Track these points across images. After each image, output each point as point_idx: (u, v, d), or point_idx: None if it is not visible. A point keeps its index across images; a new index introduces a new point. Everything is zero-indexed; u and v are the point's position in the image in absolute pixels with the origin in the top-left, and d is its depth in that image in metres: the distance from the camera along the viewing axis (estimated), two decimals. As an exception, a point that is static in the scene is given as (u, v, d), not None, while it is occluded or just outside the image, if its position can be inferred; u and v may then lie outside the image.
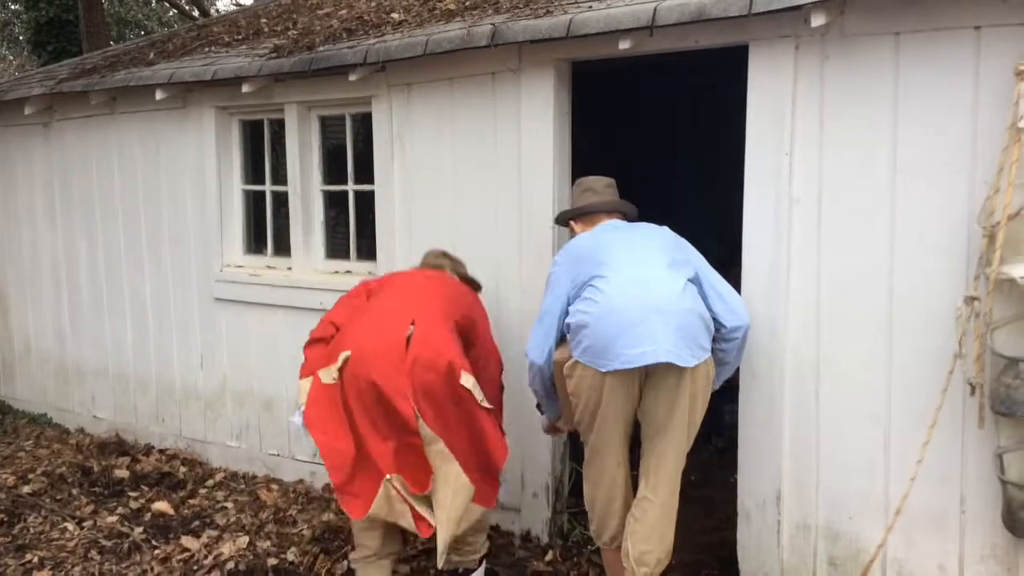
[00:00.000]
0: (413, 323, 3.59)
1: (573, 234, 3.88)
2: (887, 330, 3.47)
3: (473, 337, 3.89)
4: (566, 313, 3.53)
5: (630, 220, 3.87)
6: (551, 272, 3.68)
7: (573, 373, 3.46)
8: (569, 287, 3.54)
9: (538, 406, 3.98)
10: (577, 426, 3.62)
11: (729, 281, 3.69)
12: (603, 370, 3.34)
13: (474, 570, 3.97)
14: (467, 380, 3.52)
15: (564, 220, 4.01)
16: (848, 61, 3.48)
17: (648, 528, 3.49)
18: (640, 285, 3.36)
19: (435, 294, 3.89)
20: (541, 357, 3.60)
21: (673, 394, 3.39)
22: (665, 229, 3.72)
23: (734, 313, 3.55)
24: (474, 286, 4.28)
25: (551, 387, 3.70)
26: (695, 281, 3.52)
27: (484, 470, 3.67)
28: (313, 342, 3.82)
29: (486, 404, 3.60)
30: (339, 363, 3.54)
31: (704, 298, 3.50)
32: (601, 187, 3.89)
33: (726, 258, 4.25)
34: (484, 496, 3.71)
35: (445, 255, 4.31)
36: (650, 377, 3.39)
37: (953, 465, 3.36)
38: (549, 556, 4.34)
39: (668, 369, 3.33)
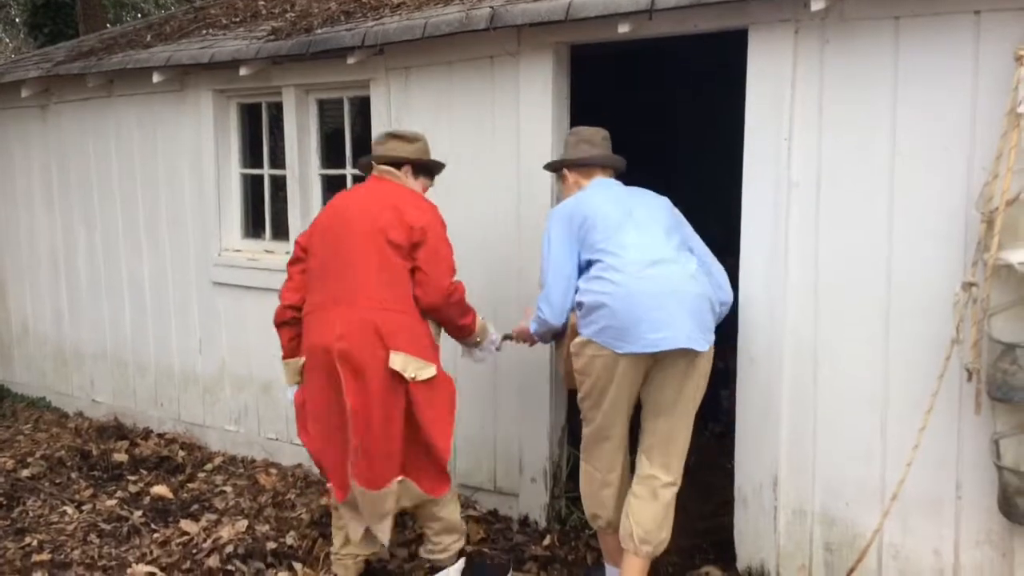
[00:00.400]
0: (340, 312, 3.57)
1: (564, 183, 3.83)
2: (885, 315, 3.47)
3: (417, 255, 3.56)
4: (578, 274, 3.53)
5: (620, 176, 3.83)
6: (550, 230, 3.58)
7: (583, 352, 3.44)
8: (577, 247, 3.51)
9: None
10: (581, 403, 3.61)
11: (727, 265, 3.71)
12: (620, 351, 3.35)
13: (445, 567, 3.90)
14: (396, 360, 3.48)
15: (557, 168, 3.88)
16: (848, 45, 3.46)
17: (658, 508, 3.52)
18: (656, 267, 3.37)
19: (367, 240, 3.53)
20: (560, 319, 3.59)
21: (683, 376, 3.44)
22: (664, 200, 3.70)
23: (722, 289, 3.58)
24: (435, 170, 3.96)
25: (559, 337, 3.79)
26: (689, 251, 3.57)
27: (422, 462, 3.65)
28: (280, 325, 3.92)
29: (420, 377, 3.51)
30: (299, 366, 3.80)
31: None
32: (599, 139, 3.79)
33: (724, 241, 4.26)
34: (425, 486, 3.69)
35: (394, 136, 3.84)
36: (660, 360, 3.41)
37: (949, 451, 3.37)
38: (547, 540, 4.35)
39: (681, 353, 3.36)
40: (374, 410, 3.49)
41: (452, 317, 3.74)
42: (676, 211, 3.69)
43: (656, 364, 3.43)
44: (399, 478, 3.61)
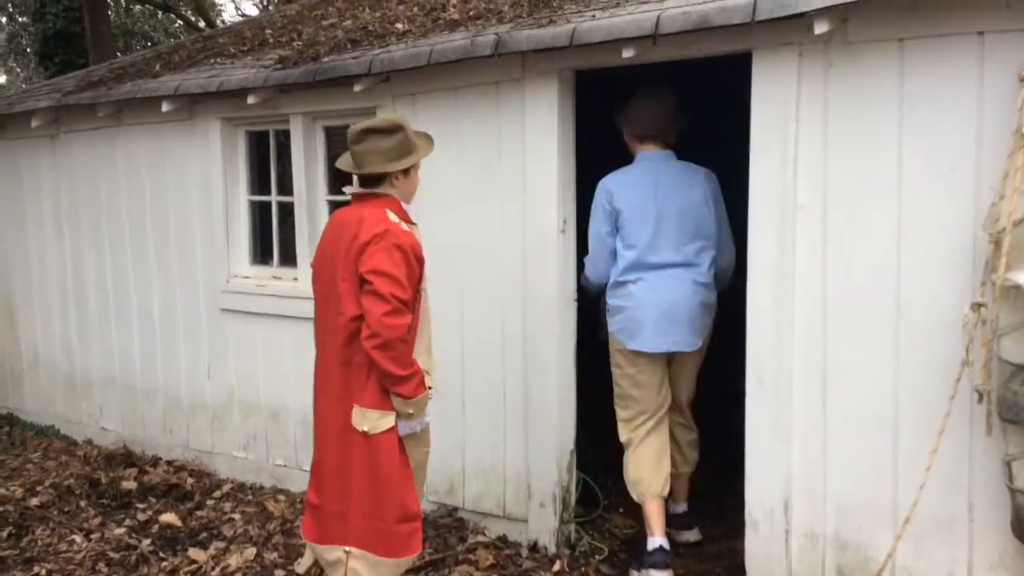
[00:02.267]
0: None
1: (627, 140, 4.38)
2: (894, 337, 3.46)
3: (360, 275, 3.29)
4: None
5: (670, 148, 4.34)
6: (598, 199, 4.26)
7: (612, 346, 4.32)
8: (612, 227, 4.23)
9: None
10: (617, 399, 4.38)
11: (736, 283, 4.03)
12: (630, 348, 4.19)
13: None
14: (354, 415, 3.32)
15: (622, 125, 4.39)
16: (852, 68, 3.47)
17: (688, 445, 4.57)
18: (666, 281, 4.15)
19: (338, 275, 3.34)
20: (602, 282, 4.31)
21: (689, 364, 4.42)
22: (699, 189, 4.24)
23: (730, 264, 4.39)
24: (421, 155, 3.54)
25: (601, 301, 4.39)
26: (708, 247, 4.24)
27: (387, 516, 3.37)
28: None
29: (375, 431, 3.31)
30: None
31: (716, 252, 4.28)
32: (655, 109, 4.27)
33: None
34: (387, 545, 3.38)
35: (371, 132, 3.41)
36: (674, 356, 4.30)
37: (961, 473, 3.34)
38: (556, 566, 4.32)
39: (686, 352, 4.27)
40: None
41: (377, 359, 3.21)
42: (711, 195, 4.27)
43: (673, 358, 4.32)
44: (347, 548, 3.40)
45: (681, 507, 4.66)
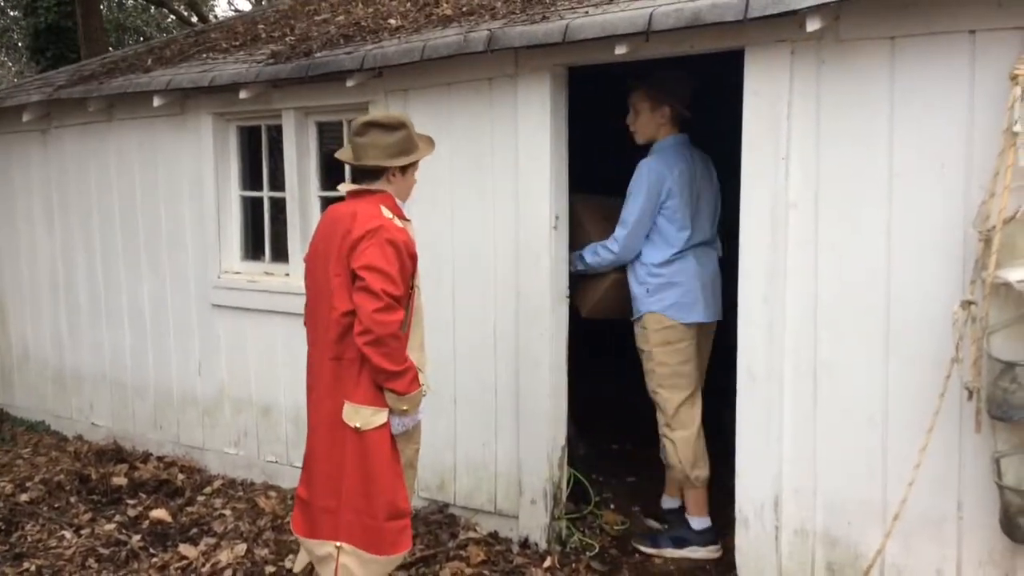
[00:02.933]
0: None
1: (651, 114, 4.44)
2: (885, 334, 3.47)
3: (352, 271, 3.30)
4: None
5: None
6: (642, 187, 4.33)
7: (657, 324, 4.36)
8: (656, 210, 4.35)
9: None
10: (663, 380, 4.40)
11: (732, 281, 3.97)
12: (686, 321, 4.35)
13: None
14: (346, 411, 3.33)
15: (663, 102, 4.42)
16: (844, 65, 3.48)
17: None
18: (706, 257, 4.48)
19: (331, 270, 3.36)
20: (630, 256, 4.42)
21: (710, 338, 4.59)
22: (714, 173, 4.61)
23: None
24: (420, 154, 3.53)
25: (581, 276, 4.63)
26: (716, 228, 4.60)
27: (377, 513, 3.36)
28: None
29: (367, 427, 3.32)
30: None
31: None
32: (686, 93, 4.46)
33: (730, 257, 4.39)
34: (376, 542, 3.37)
35: (373, 125, 3.43)
36: (702, 328, 4.48)
37: (951, 470, 3.36)
38: (547, 563, 4.33)
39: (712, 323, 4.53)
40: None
41: (370, 355, 3.22)
42: (716, 179, 4.63)
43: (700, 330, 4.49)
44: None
45: (677, 501, 4.73)
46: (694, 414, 4.44)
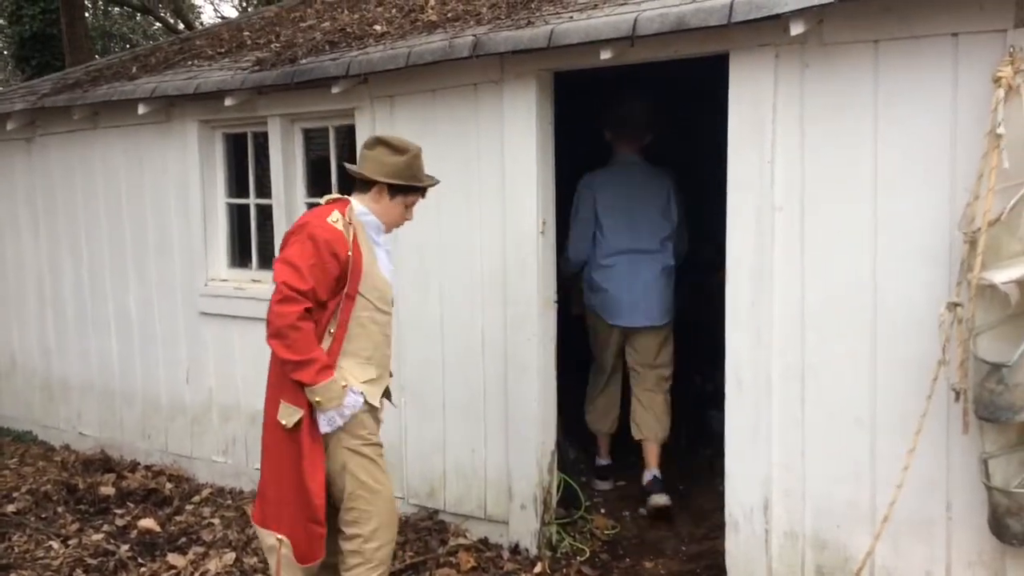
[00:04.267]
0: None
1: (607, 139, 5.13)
2: (872, 337, 3.48)
3: None
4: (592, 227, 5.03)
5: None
6: (579, 199, 5.07)
7: (588, 315, 5.19)
8: (588, 220, 5.02)
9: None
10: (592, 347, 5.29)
11: (718, 286, 3.97)
12: (609, 322, 5.05)
13: None
14: (280, 411, 3.39)
15: (603, 128, 5.14)
16: (828, 69, 3.49)
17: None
18: (642, 265, 4.96)
19: None
20: (580, 258, 5.12)
21: (653, 338, 5.08)
22: (662, 194, 5.04)
23: (684, 248, 5.22)
24: (414, 186, 3.55)
25: (574, 279, 5.25)
26: (670, 237, 5.04)
27: (302, 513, 3.40)
28: None
29: (290, 426, 3.36)
30: None
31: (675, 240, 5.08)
32: (633, 117, 5.04)
33: (713, 260, 4.42)
34: (303, 550, 3.42)
35: (382, 144, 3.53)
36: (636, 329, 5.06)
37: (939, 471, 3.36)
38: (538, 568, 4.32)
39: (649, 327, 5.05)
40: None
41: (273, 347, 3.35)
42: (669, 200, 5.05)
43: (634, 331, 5.07)
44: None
45: (652, 472, 5.04)
46: (601, 387, 5.30)
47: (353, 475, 3.43)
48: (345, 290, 3.37)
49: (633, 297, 4.96)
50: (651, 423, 5.05)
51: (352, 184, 3.60)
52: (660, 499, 4.86)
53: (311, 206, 5.25)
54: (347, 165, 3.67)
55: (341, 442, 3.42)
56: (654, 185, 5.04)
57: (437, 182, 3.68)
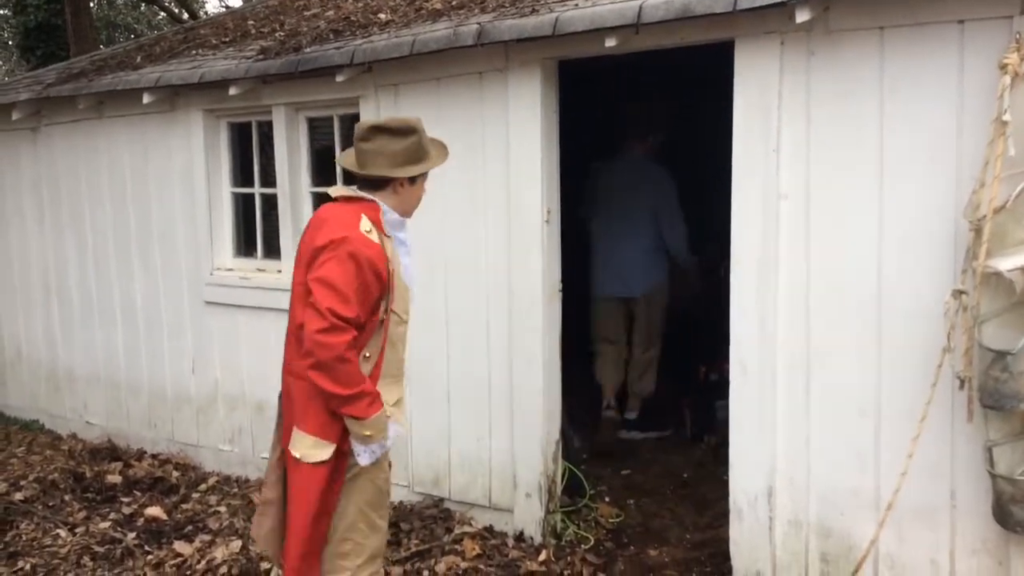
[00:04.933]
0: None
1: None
2: (876, 324, 3.47)
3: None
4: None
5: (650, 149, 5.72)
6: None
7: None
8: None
9: None
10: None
11: (722, 279, 3.99)
12: (598, 292, 5.80)
13: None
14: (293, 439, 3.09)
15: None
16: (833, 56, 3.48)
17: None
18: (624, 242, 5.62)
19: (297, 278, 3.16)
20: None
21: (646, 305, 5.77)
22: (656, 182, 5.56)
23: (679, 241, 5.72)
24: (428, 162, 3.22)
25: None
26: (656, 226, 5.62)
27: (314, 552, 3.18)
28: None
29: (307, 460, 3.07)
30: None
31: (662, 230, 5.63)
32: (641, 119, 5.68)
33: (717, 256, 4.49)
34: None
35: (380, 130, 3.12)
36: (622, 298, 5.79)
37: (943, 459, 3.36)
38: (542, 556, 4.33)
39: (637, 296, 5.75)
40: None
41: (315, 379, 2.94)
42: (662, 188, 5.57)
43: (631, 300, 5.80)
44: None
45: (632, 414, 5.93)
46: (607, 351, 5.87)
47: (362, 509, 3.18)
48: (383, 310, 3.08)
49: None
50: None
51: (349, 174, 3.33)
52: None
53: (316, 195, 5.29)
54: (347, 167, 3.24)
55: (367, 474, 3.16)
56: (640, 180, 5.59)
57: (444, 144, 3.38)
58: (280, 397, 3.33)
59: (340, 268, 2.92)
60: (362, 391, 2.96)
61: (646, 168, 5.63)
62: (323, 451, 3.05)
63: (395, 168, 3.11)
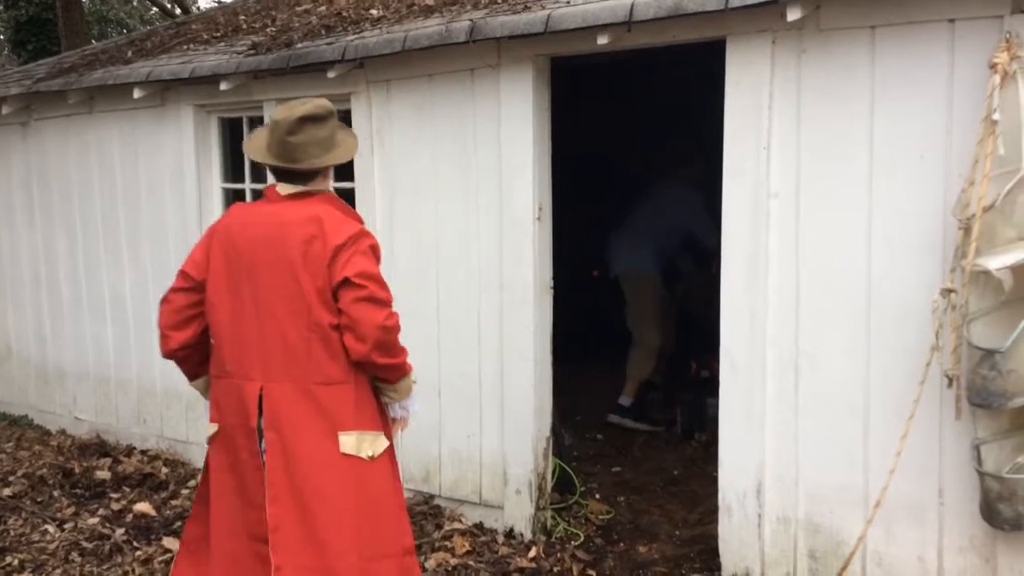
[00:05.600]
0: (262, 385, 2.98)
1: None
2: (865, 322, 3.49)
3: (338, 281, 2.93)
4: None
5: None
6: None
7: None
8: None
9: None
10: None
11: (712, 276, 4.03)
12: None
13: None
14: (347, 442, 2.97)
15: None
16: (824, 55, 3.49)
17: None
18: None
19: (280, 280, 2.96)
20: None
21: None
22: (673, 201, 5.96)
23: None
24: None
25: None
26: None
27: (383, 553, 3.04)
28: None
29: (372, 453, 3.00)
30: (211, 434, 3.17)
31: None
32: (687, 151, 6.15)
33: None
34: None
35: (309, 120, 2.99)
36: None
37: (931, 457, 3.38)
38: (532, 552, 4.33)
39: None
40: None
41: (385, 362, 3.00)
42: (680, 204, 5.92)
43: None
44: None
45: (624, 400, 6.05)
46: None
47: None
48: None
49: None
50: None
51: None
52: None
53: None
54: (279, 163, 3.05)
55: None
56: (659, 198, 6.08)
57: (354, 134, 3.33)
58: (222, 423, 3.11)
59: (368, 260, 2.96)
60: (404, 349, 3.08)
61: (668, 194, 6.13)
62: (381, 441, 3.06)
63: (327, 155, 3.07)
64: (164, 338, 3.21)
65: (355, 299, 2.90)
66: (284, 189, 3.09)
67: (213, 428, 3.13)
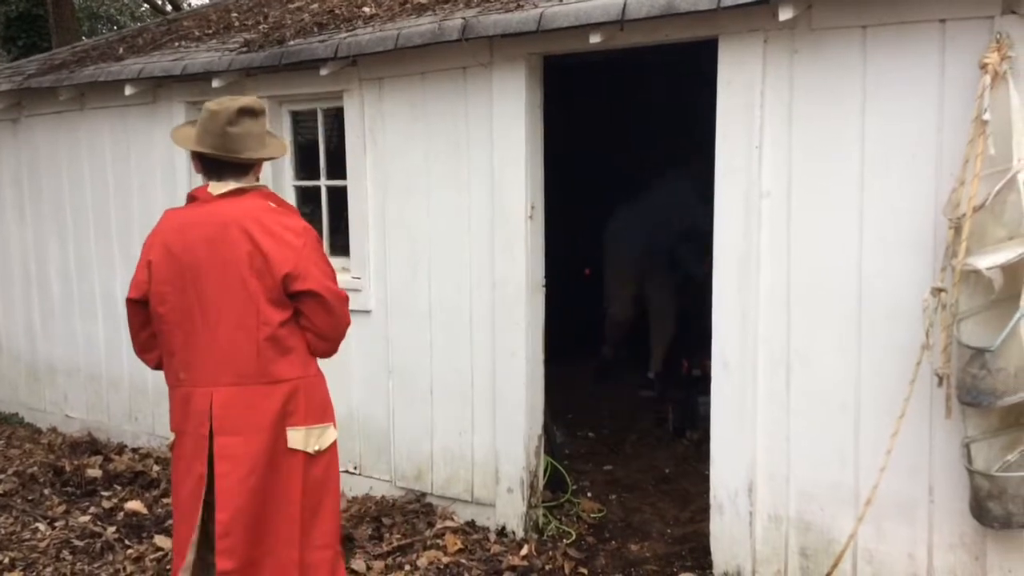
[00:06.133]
0: (212, 390, 2.97)
1: None
2: (856, 321, 3.50)
3: (297, 291, 2.95)
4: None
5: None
6: None
7: None
8: None
9: None
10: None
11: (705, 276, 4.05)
12: None
13: None
14: (295, 437, 2.99)
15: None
16: (816, 55, 3.50)
17: None
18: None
19: (226, 282, 2.94)
20: None
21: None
22: (670, 194, 6.38)
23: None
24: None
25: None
26: None
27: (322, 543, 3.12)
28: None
29: (319, 447, 3.05)
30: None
31: None
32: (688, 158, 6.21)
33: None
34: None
35: (246, 113, 3.00)
36: None
37: (922, 455, 3.39)
38: (524, 550, 4.34)
39: None
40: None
41: (335, 349, 3.13)
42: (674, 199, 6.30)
43: None
44: None
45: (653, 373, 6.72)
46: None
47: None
48: None
49: None
50: None
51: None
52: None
53: (300, 189, 5.27)
54: (215, 152, 3.01)
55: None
56: (657, 194, 6.60)
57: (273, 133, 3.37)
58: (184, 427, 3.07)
59: (322, 255, 3.07)
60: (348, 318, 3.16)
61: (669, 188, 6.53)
62: (329, 433, 3.13)
63: (262, 149, 3.09)
64: (143, 360, 3.27)
65: (312, 295, 2.96)
66: (217, 188, 3.05)
67: (172, 436, 3.14)
